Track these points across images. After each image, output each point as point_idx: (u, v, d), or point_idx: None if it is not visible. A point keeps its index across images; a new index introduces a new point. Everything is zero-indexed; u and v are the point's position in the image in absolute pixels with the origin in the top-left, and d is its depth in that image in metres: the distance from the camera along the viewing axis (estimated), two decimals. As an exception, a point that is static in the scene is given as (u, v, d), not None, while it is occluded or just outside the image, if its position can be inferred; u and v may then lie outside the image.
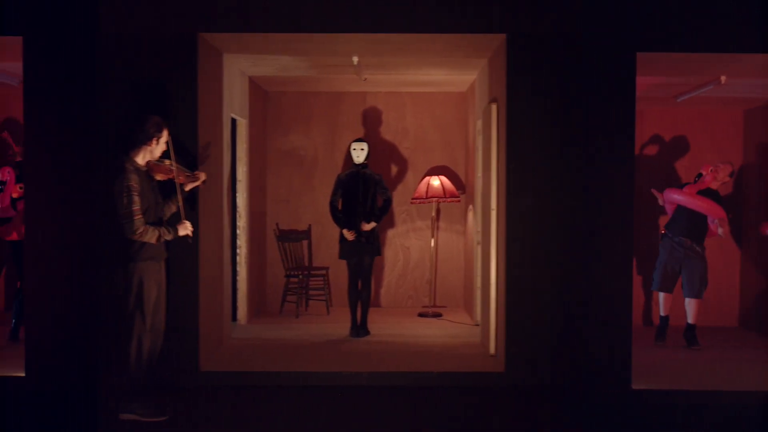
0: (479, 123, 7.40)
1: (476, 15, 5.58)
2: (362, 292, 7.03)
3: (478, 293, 7.51)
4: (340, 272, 8.62)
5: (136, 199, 4.66)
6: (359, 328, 7.02)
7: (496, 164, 6.02)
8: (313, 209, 8.71)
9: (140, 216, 4.67)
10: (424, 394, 5.46)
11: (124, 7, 5.47)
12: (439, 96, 8.74)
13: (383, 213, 7.02)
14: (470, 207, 8.19)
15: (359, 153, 6.99)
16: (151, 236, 4.71)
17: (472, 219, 8.04)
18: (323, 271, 8.31)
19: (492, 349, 6.11)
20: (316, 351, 6.48)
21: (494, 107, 6.07)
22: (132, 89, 5.48)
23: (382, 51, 6.39)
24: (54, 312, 5.49)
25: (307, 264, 8.38)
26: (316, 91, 8.67)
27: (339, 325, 7.55)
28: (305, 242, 8.50)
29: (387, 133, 8.71)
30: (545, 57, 5.52)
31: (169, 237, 4.83)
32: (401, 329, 7.42)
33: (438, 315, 8.14)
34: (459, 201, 8.13)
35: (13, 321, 6.75)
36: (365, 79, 7.64)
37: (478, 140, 7.44)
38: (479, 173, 7.40)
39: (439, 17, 5.58)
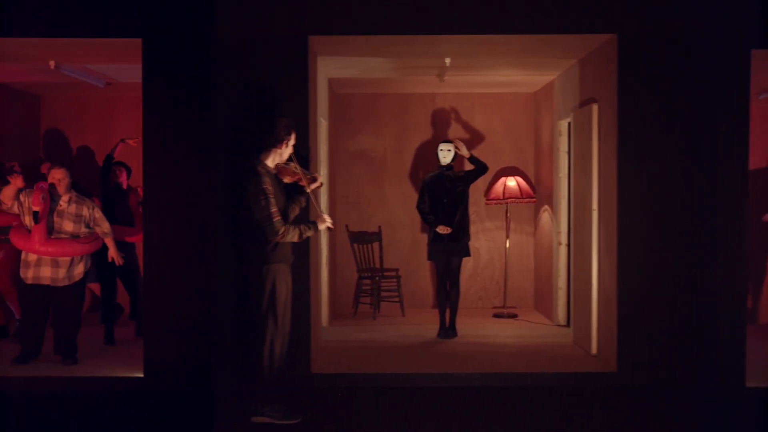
0: (561, 124, 7.42)
1: (584, 15, 5.59)
2: (451, 294, 7.03)
3: (560, 294, 7.53)
4: (409, 273, 8.63)
5: (273, 201, 4.67)
6: (448, 330, 7.02)
7: (597, 165, 6.03)
8: (382, 211, 8.72)
9: (279, 217, 4.68)
10: (536, 395, 5.47)
11: (238, 12, 5.50)
12: (507, 97, 8.75)
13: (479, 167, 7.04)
14: (543, 208, 8.20)
15: (446, 154, 7.00)
16: (292, 235, 4.72)
17: (547, 220, 8.05)
18: (395, 273, 8.31)
19: (594, 349, 6.12)
20: (412, 352, 6.49)
21: (594, 108, 6.08)
22: (244, 91, 5.49)
23: (473, 52, 6.41)
24: (173, 313, 5.52)
25: (378, 266, 8.39)
26: (385, 92, 8.67)
27: (419, 326, 7.56)
28: (376, 244, 8.50)
29: (456, 134, 8.71)
30: (656, 57, 5.54)
31: (310, 233, 4.84)
32: (483, 330, 7.42)
33: (513, 316, 8.14)
34: (535, 201, 8.14)
35: (107, 323, 6.77)
36: (443, 80, 7.64)
37: (559, 141, 7.46)
38: (561, 174, 7.42)
39: (546, 18, 5.59)
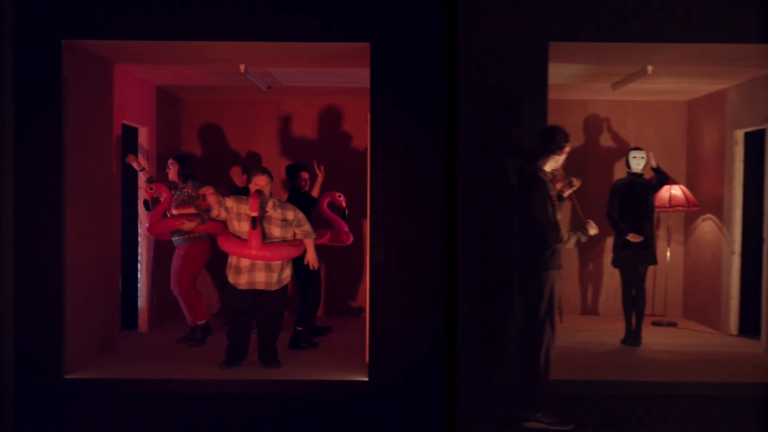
0: (738, 133, 7.44)
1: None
2: (637, 302, 7.03)
3: (732, 303, 7.54)
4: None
5: (557, 207, 4.68)
6: (635, 336, 7.01)
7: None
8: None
9: (560, 224, 4.70)
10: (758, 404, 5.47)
11: (481, 17, 5.51)
12: (660, 105, 8.75)
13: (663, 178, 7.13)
14: (703, 217, 8.20)
15: (639, 161, 7.00)
16: (572, 241, 4.74)
17: (709, 229, 8.05)
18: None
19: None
20: (612, 359, 6.49)
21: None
22: (485, 96, 5.51)
23: (676, 60, 6.41)
24: (396, 318, 5.53)
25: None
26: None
27: (582, 333, 7.56)
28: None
29: (607, 140, 8.71)
30: None
31: (583, 239, 4.86)
32: (656, 338, 7.40)
33: (673, 324, 8.13)
34: (698, 210, 8.14)
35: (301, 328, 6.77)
36: (615, 89, 7.63)
37: (735, 150, 7.47)
38: (735, 183, 7.43)
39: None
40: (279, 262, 5.92)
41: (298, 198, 6.83)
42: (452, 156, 5.38)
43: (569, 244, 4.76)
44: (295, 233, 6.00)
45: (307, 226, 6.06)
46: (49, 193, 5.57)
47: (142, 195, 7.42)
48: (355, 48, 5.79)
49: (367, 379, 5.59)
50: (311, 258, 6.07)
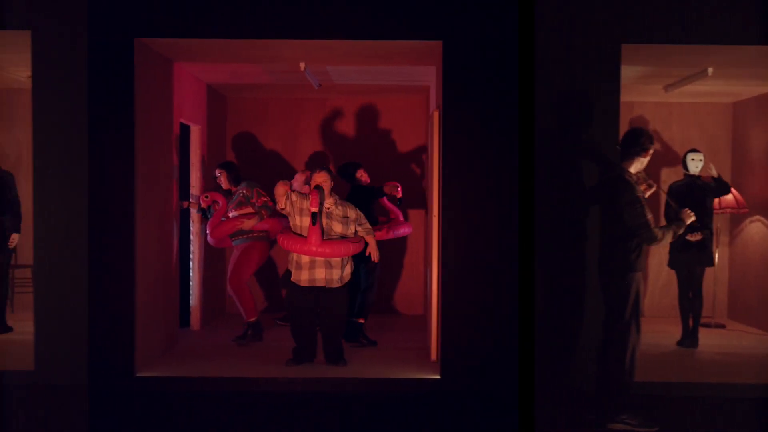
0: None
1: None
2: (694, 303, 7.04)
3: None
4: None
5: (647, 207, 4.70)
6: (692, 338, 7.02)
7: None
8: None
9: (651, 223, 4.73)
10: None
11: (556, 19, 5.52)
12: (705, 107, 8.77)
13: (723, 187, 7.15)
14: (751, 218, 8.22)
15: (697, 163, 7.02)
16: (668, 237, 4.78)
17: (758, 231, 8.08)
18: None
19: None
20: (675, 360, 6.54)
21: None
22: (560, 96, 5.52)
23: (735, 62, 6.43)
24: (467, 317, 5.59)
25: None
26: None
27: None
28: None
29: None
30: None
31: (680, 231, 4.89)
32: (709, 340, 7.40)
33: (721, 326, 8.15)
34: (747, 212, 8.16)
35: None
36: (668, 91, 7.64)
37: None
38: None
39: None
40: (339, 260, 5.93)
41: (362, 192, 6.85)
42: (527, 156, 5.39)
43: (665, 240, 4.78)
44: (356, 230, 6.01)
45: (368, 223, 6.10)
46: (122, 195, 5.59)
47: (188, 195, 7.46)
48: (424, 46, 5.81)
49: (439, 377, 5.61)
50: (374, 250, 6.07)
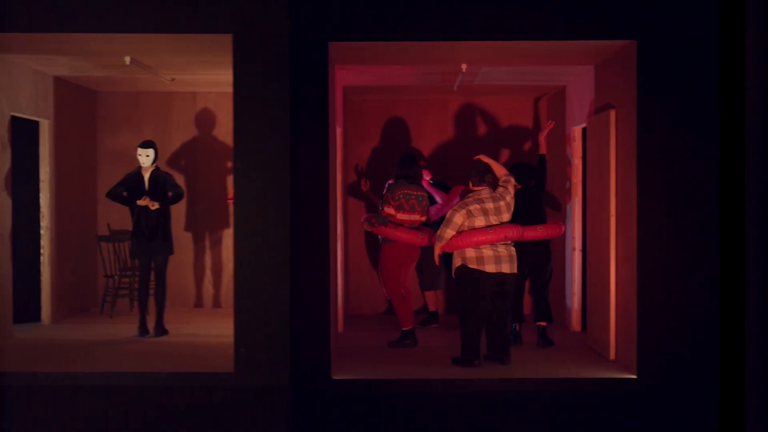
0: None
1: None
2: None
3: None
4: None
5: None
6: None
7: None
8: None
9: None
10: None
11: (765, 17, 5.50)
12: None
13: None
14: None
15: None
16: None
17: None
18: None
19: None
20: None
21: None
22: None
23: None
24: (665, 317, 5.60)
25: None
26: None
27: None
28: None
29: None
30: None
31: None
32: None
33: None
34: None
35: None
36: None
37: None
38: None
39: None
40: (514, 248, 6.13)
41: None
42: (735, 155, 5.40)
43: None
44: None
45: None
46: (320, 197, 5.63)
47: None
48: (608, 45, 5.81)
49: (635, 376, 5.62)
50: None
